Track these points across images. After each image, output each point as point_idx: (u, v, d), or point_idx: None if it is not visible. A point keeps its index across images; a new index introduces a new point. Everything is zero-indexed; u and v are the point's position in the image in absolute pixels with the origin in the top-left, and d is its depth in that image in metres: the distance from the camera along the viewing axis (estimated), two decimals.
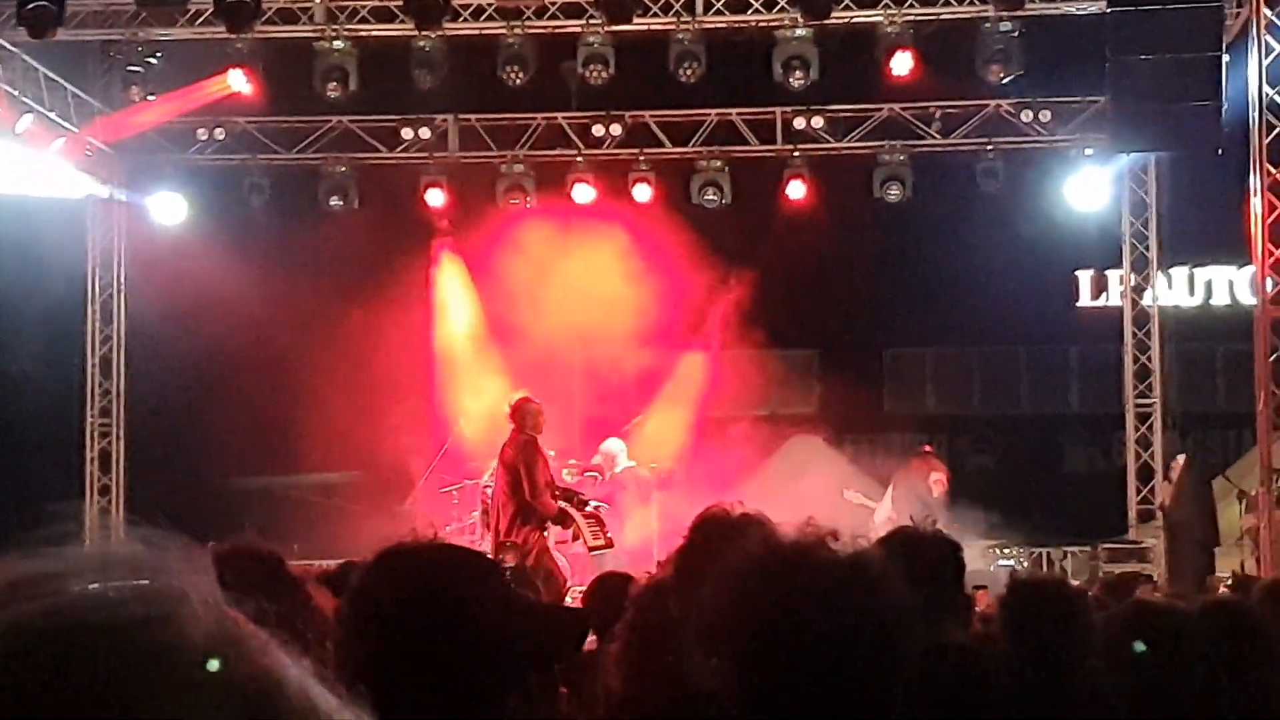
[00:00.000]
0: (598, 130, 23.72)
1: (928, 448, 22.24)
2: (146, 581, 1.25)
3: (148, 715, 1.16)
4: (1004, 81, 21.95)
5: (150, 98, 22.12)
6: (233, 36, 21.35)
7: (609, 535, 18.49)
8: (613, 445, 21.36)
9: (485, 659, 3.06)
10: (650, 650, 4.26)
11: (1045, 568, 24.12)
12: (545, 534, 17.47)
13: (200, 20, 21.57)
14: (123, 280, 25.10)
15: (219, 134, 23.82)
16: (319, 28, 22.09)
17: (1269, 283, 19.98)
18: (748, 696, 2.75)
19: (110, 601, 1.22)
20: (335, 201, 24.07)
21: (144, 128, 23.39)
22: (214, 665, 1.21)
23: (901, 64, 21.76)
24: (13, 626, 1.20)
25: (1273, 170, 19.42)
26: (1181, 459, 21.27)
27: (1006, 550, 22.11)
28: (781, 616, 2.74)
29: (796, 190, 23.99)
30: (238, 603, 1.29)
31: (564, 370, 23.42)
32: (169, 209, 24.38)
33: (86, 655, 1.18)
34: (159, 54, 22.03)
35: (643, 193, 24.04)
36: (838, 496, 20.61)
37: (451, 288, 25.26)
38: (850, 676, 2.73)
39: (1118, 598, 11.54)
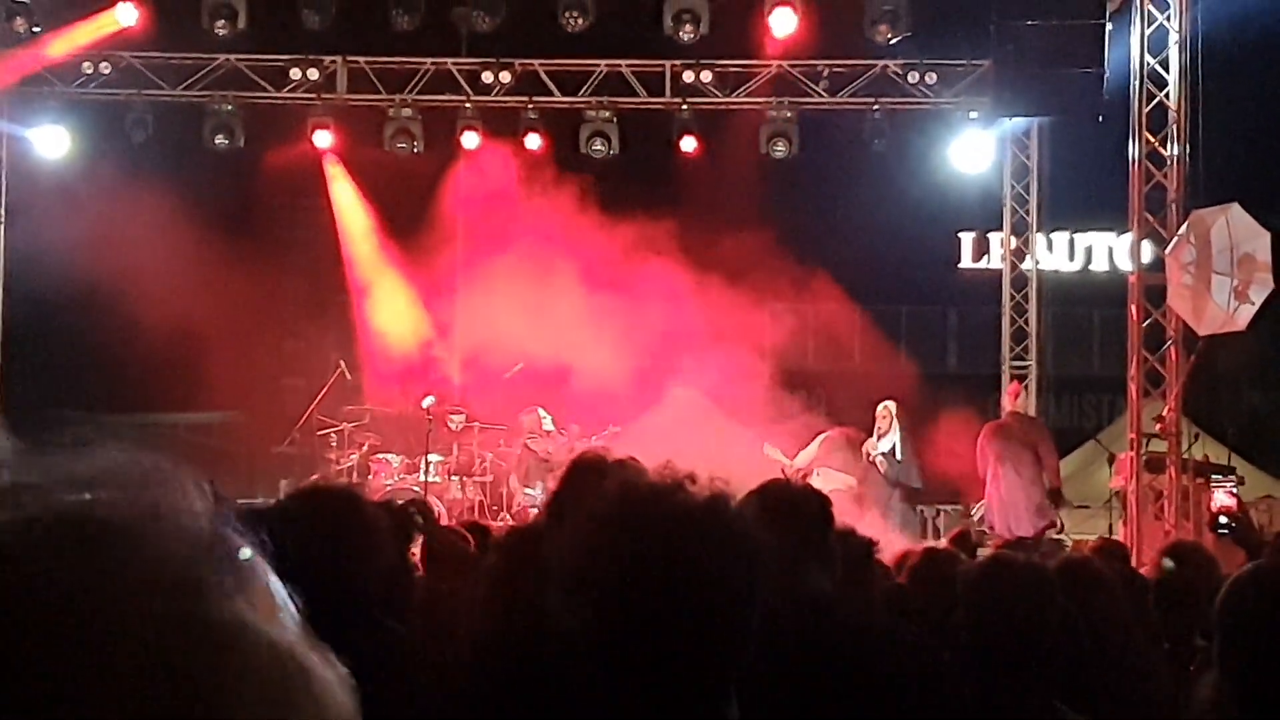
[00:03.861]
0: (487, 77, 23.67)
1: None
2: (135, 495, 1.25)
3: (109, 638, 1.16)
4: (891, 42, 22.10)
5: (35, 29, 21.87)
6: None
7: None
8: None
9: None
10: (516, 591, 4.33)
11: (919, 526, 24.39)
12: None
13: None
14: (3, 213, 24.78)
15: (104, 68, 23.54)
16: None
17: (1145, 249, 20.30)
18: (604, 635, 2.81)
19: (89, 515, 1.22)
20: (220, 140, 23.86)
21: (37, 67, 23.14)
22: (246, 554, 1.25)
23: (782, 21, 21.85)
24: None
25: (1151, 139, 19.70)
26: (892, 405, 21.24)
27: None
28: (636, 557, 2.78)
29: (688, 145, 24.09)
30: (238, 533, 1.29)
31: (444, 316, 23.44)
32: (52, 142, 24.08)
33: (55, 569, 1.18)
34: None
35: (533, 141, 24.05)
36: (750, 450, 20.78)
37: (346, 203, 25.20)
38: (703, 616, 2.78)
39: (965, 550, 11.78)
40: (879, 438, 20.78)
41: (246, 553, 1.28)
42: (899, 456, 20.69)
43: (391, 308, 24.46)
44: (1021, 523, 20.32)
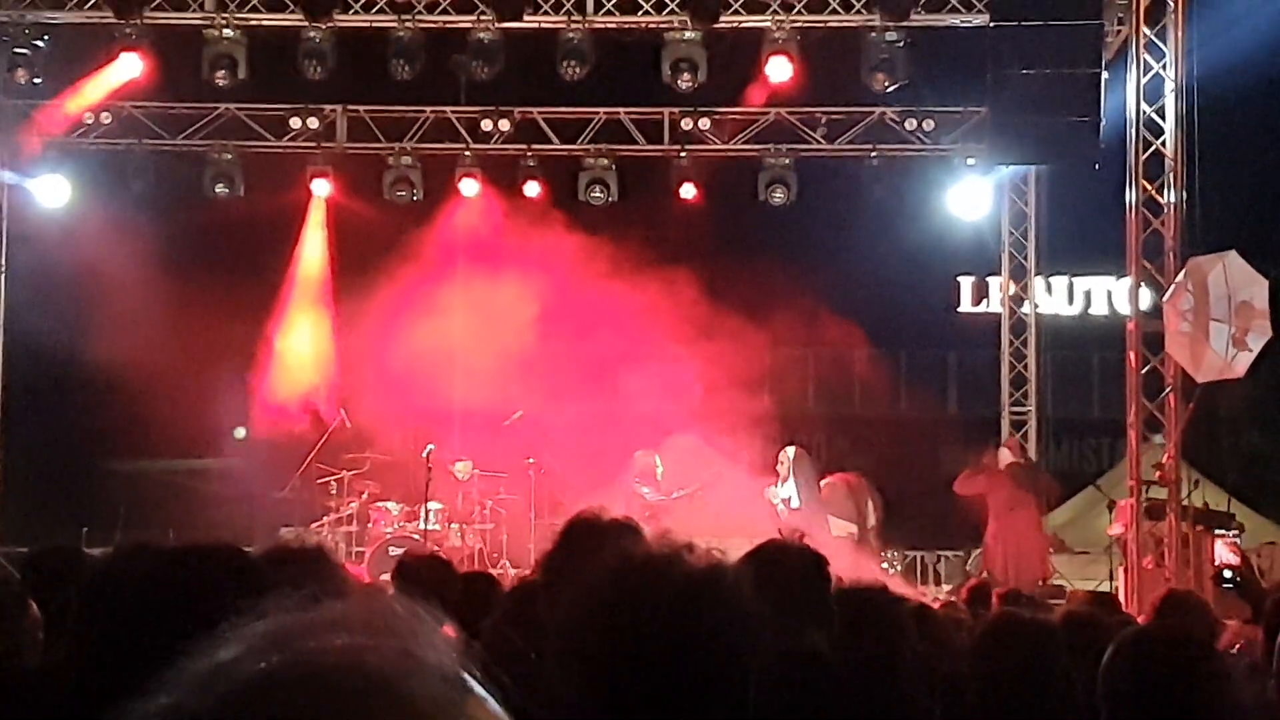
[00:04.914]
0: (486, 125, 23.76)
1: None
2: (390, 641, 1.31)
3: None
4: (888, 90, 22.15)
5: (36, 80, 21.94)
6: (121, 22, 21.26)
7: None
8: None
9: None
10: (514, 652, 4.34)
11: (919, 572, 24.40)
12: None
13: (89, 4, 21.49)
14: (3, 261, 24.80)
15: (105, 118, 23.63)
16: (209, 15, 22.02)
17: (1144, 296, 20.31)
18: (602, 704, 2.83)
19: (352, 661, 1.28)
20: (220, 188, 23.93)
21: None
22: None
23: (777, 69, 21.93)
24: (263, 676, 1.27)
25: (1148, 186, 19.73)
26: (790, 451, 21.32)
27: (881, 553, 22.29)
28: (634, 627, 2.80)
29: (687, 192, 24.15)
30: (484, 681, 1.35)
31: (442, 360, 23.43)
32: (53, 192, 24.12)
33: (320, 714, 1.25)
34: (46, 37, 21.84)
35: (532, 189, 24.14)
36: (750, 494, 20.94)
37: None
38: (700, 686, 2.80)
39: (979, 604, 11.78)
40: (780, 484, 20.90)
41: (481, 691, 1.35)
42: (795, 504, 20.76)
43: (297, 351, 24.67)
44: (1031, 568, 20.59)
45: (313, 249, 25.14)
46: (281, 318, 25.00)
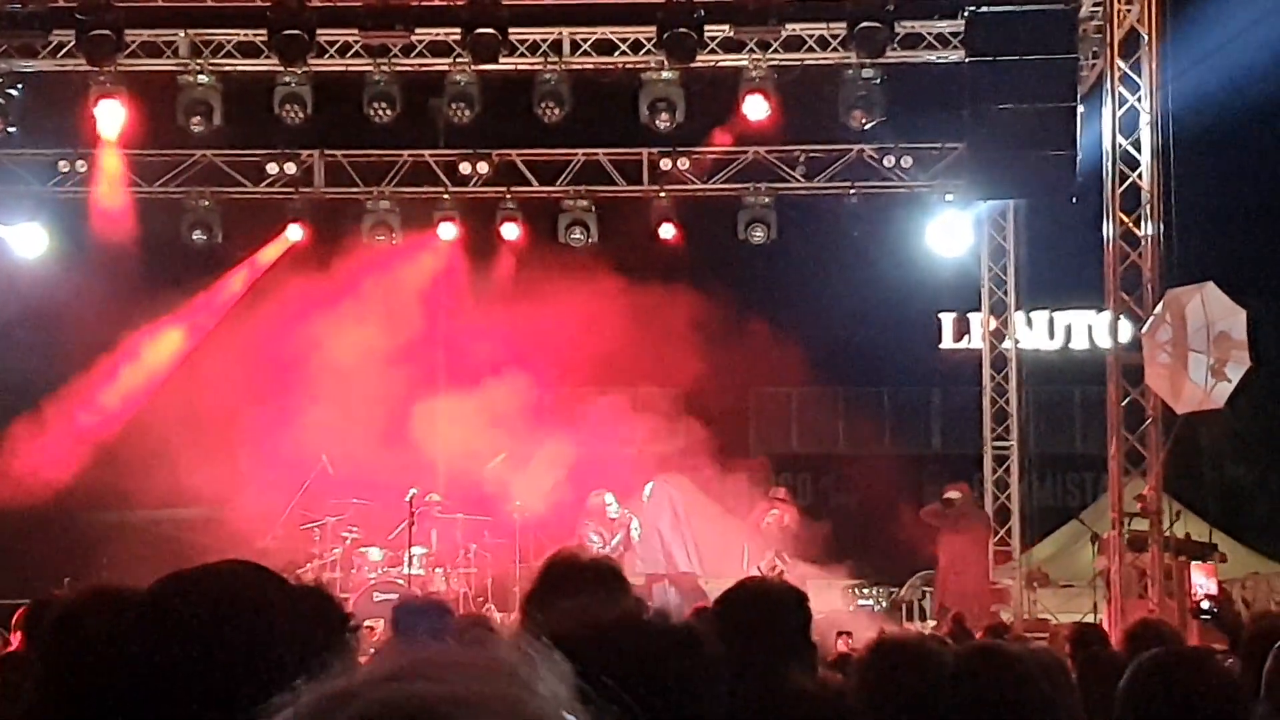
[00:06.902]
0: (465, 168, 23.74)
1: (780, 491, 22.63)
2: (505, 686, 1.34)
3: None
4: (866, 127, 22.18)
5: (11, 130, 21.90)
6: (95, 70, 21.23)
7: None
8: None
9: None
10: None
11: (903, 609, 24.33)
12: None
13: (62, 52, 21.44)
14: None
15: (81, 166, 23.57)
16: (183, 61, 22.03)
17: (1123, 329, 20.32)
18: None
19: (468, 702, 1.30)
20: (198, 235, 23.88)
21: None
22: None
23: (755, 108, 21.96)
24: (377, 710, 1.30)
25: (1125, 219, 19.75)
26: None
27: (866, 590, 22.30)
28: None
29: (667, 233, 24.14)
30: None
31: (423, 404, 23.39)
32: (29, 241, 24.05)
33: None
34: (20, 85, 21.82)
35: (511, 231, 24.13)
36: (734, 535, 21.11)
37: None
38: None
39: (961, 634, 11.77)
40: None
41: None
42: (635, 538, 21.25)
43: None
44: (979, 599, 21.04)
45: (237, 280, 25.10)
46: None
